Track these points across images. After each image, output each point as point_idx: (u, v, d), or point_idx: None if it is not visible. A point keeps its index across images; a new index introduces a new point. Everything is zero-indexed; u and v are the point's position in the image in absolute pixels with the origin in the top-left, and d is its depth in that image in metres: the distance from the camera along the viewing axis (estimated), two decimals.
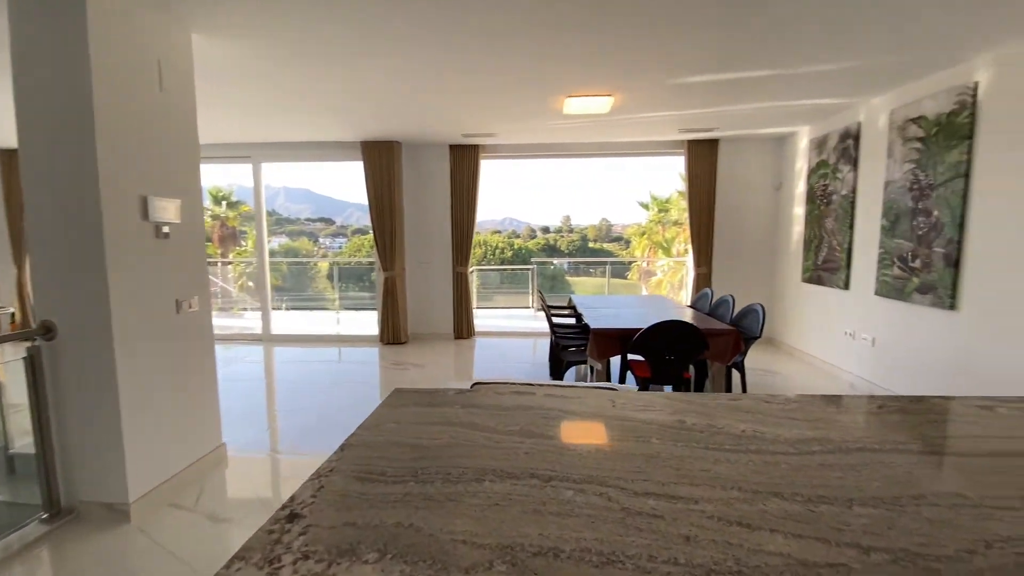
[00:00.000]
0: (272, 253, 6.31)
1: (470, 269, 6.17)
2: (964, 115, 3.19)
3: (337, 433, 3.16)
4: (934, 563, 0.53)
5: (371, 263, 8.47)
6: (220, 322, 7.12)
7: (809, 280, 5.06)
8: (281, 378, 4.73)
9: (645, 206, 16.24)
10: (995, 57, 3.01)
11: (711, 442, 0.85)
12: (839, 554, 0.55)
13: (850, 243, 4.40)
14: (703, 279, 5.90)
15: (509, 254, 23.16)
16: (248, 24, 2.60)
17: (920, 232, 3.56)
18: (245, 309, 10.12)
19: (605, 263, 17.72)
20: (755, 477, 0.73)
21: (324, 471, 0.76)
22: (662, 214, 15.79)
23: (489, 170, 6.14)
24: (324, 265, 13.66)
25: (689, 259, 6.14)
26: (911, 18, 2.62)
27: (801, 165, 5.25)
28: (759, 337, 3.54)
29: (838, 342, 4.57)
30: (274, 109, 4.38)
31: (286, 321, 8.00)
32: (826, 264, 4.76)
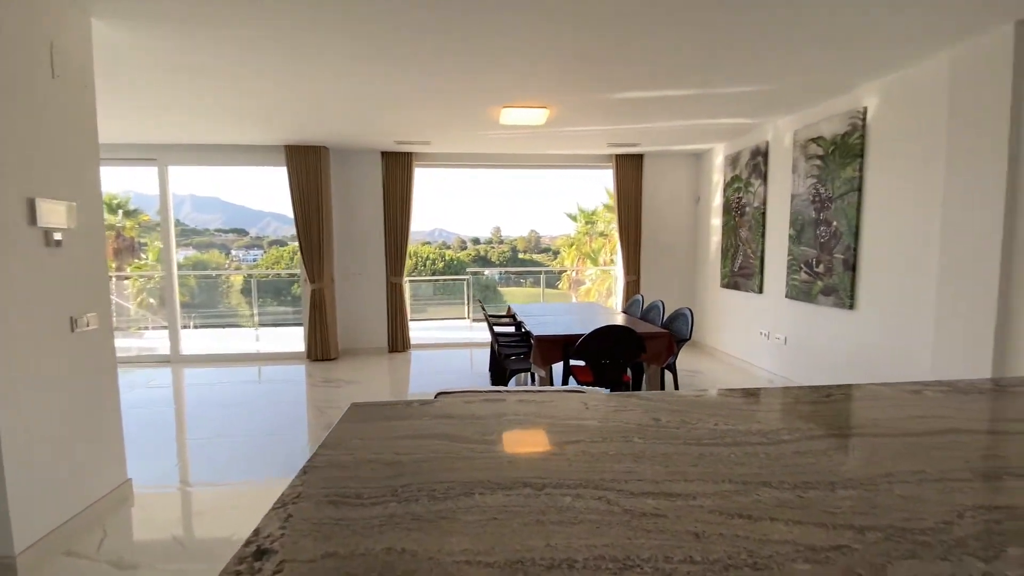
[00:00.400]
0: (179, 266, 5.72)
1: (404, 279, 6.00)
2: (856, 136, 3.61)
3: (264, 460, 2.92)
4: (920, 536, 0.56)
5: (292, 275, 8.01)
6: (119, 343, 6.36)
7: (727, 286, 5.44)
8: (194, 403, 4.29)
9: (573, 218, 16.75)
10: (879, 85, 3.43)
11: (690, 437, 0.85)
12: (839, 536, 0.56)
13: (762, 251, 4.80)
14: (632, 286, 6.16)
15: (441, 265, 22.88)
16: (156, 10, 2.36)
17: (822, 240, 3.96)
18: (146, 328, 9.15)
19: (539, 273, 18.06)
20: (740, 469, 0.74)
21: (289, 498, 0.67)
22: (589, 226, 16.39)
23: (420, 179, 6.03)
24: (238, 279, 12.69)
25: (619, 268, 6.39)
26: (811, 50, 2.93)
27: (717, 179, 5.67)
28: (689, 339, 3.74)
29: (754, 342, 4.95)
30: (185, 107, 4.01)
31: (197, 340, 7.31)
32: (742, 271, 5.15)
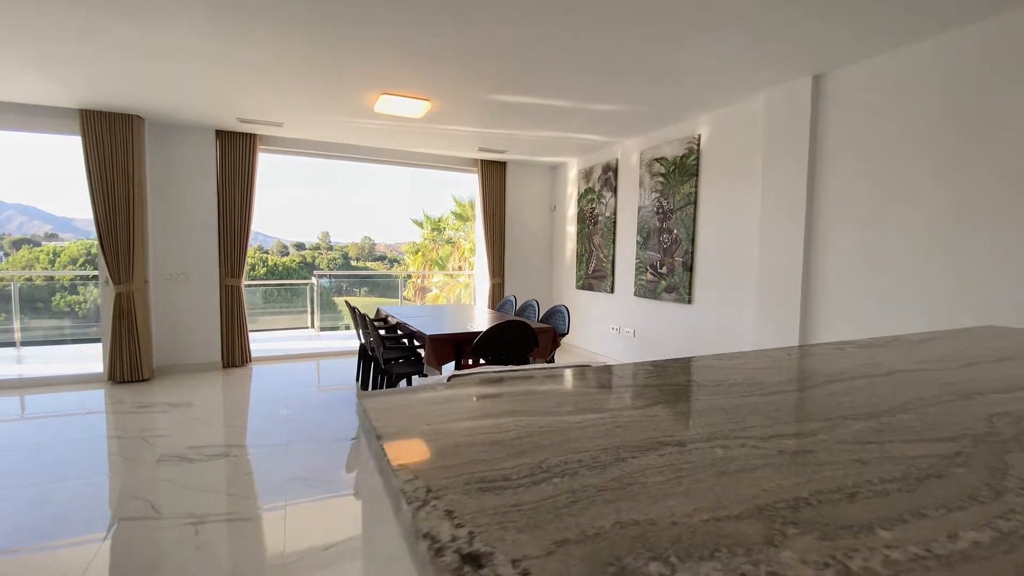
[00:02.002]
0: None
1: (243, 282, 5.16)
2: (692, 158, 4.29)
3: (71, 517, 2.19)
4: (989, 439, 0.67)
5: (47, 280, 6.52)
6: None
7: (582, 287, 5.95)
8: None
9: (419, 224, 16.53)
10: (709, 117, 4.15)
11: (743, 391, 0.90)
12: (946, 447, 0.64)
13: (613, 256, 5.37)
14: (498, 289, 6.31)
15: (263, 271, 20.36)
16: None
17: (665, 246, 4.60)
18: None
19: (376, 280, 17.27)
20: (815, 409, 0.80)
21: (422, 495, 0.50)
22: (436, 233, 16.35)
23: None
24: None
25: (483, 271, 6.49)
26: (657, 84, 3.42)
27: (571, 191, 6.18)
28: (567, 333, 3.97)
29: (607, 336, 5.50)
30: None
31: None
32: (595, 273, 5.69)
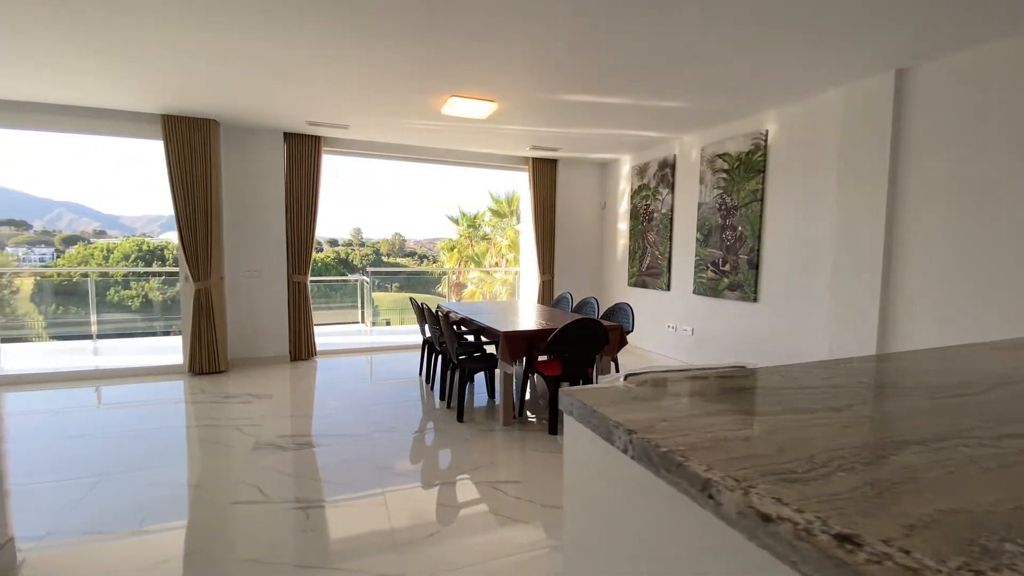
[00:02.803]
0: None
1: (309, 279, 5.36)
2: (758, 154, 4.23)
3: (189, 500, 2.35)
4: None
5: (101, 276, 6.92)
6: None
7: (635, 284, 5.94)
8: (45, 435, 3.26)
9: (455, 220, 16.72)
10: (778, 113, 4.08)
11: (935, 392, 0.92)
12: None
13: (670, 253, 5.35)
14: (548, 285, 6.36)
15: None
16: None
17: (728, 243, 4.56)
18: None
19: (430, 275, 17.54)
20: (1014, 411, 0.83)
21: (734, 487, 0.56)
22: (472, 229, 16.50)
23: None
24: (27, 283, 10.11)
25: (532, 268, 6.54)
26: (726, 80, 3.38)
27: (624, 187, 6.17)
28: (631, 331, 3.99)
29: (662, 334, 5.48)
30: (22, 51, 3.08)
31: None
32: (649, 270, 5.67)
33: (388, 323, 9.25)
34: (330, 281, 13.12)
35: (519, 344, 3.34)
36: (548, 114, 4.31)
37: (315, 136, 5.15)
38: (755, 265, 4.28)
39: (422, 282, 18.54)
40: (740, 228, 4.42)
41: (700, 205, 4.87)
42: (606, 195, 6.58)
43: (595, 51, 2.99)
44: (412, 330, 7.93)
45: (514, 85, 3.61)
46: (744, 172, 4.37)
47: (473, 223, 16.56)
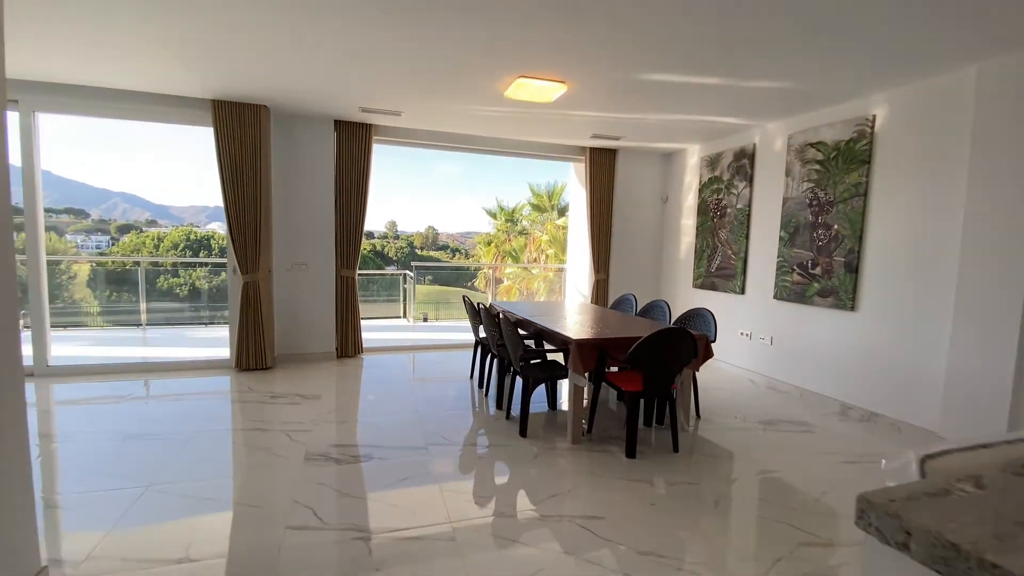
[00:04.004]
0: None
1: (357, 273, 5.14)
2: (862, 143, 3.71)
3: (244, 519, 2.10)
4: None
5: (151, 265, 6.93)
6: None
7: (701, 286, 5.47)
8: (94, 433, 3.11)
9: (492, 214, 16.42)
10: (889, 95, 3.55)
11: None
12: None
13: (746, 252, 4.86)
14: (602, 285, 5.96)
15: None
16: None
17: (820, 243, 4.05)
18: None
19: (467, 269, 17.32)
20: None
21: None
22: (509, 224, 16.17)
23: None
24: (84, 268, 10.41)
25: (585, 265, 6.15)
26: (829, 55, 2.90)
27: (691, 180, 5.69)
28: (715, 341, 3.56)
29: (734, 342, 5.00)
30: (69, 31, 2.90)
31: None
32: (720, 271, 5.19)
33: (426, 318, 9.02)
34: (372, 275, 13.05)
35: (590, 353, 2.98)
36: (620, 97, 3.91)
37: (366, 124, 4.90)
38: (854, 269, 3.77)
39: (455, 276, 18.39)
40: (836, 226, 3.91)
41: (785, 200, 4.36)
42: (668, 188, 6.10)
43: (693, 20, 2.57)
44: (454, 326, 7.68)
45: (589, 64, 3.22)
46: (843, 163, 3.85)
47: (511, 217, 16.23)
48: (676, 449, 3.00)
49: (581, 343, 2.95)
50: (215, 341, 5.74)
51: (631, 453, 2.88)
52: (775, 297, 4.48)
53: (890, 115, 3.55)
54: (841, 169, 3.87)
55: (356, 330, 5.14)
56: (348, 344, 5.10)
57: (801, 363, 4.26)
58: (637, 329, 3.34)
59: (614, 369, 3.41)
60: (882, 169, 3.61)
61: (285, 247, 4.82)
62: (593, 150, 5.77)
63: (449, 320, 8.66)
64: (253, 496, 2.37)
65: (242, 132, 4.35)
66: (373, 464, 2.73)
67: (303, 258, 4.89)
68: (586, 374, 3.02)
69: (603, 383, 3.17)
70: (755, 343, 4.74)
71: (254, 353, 4.54)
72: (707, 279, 5.36)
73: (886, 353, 3.58)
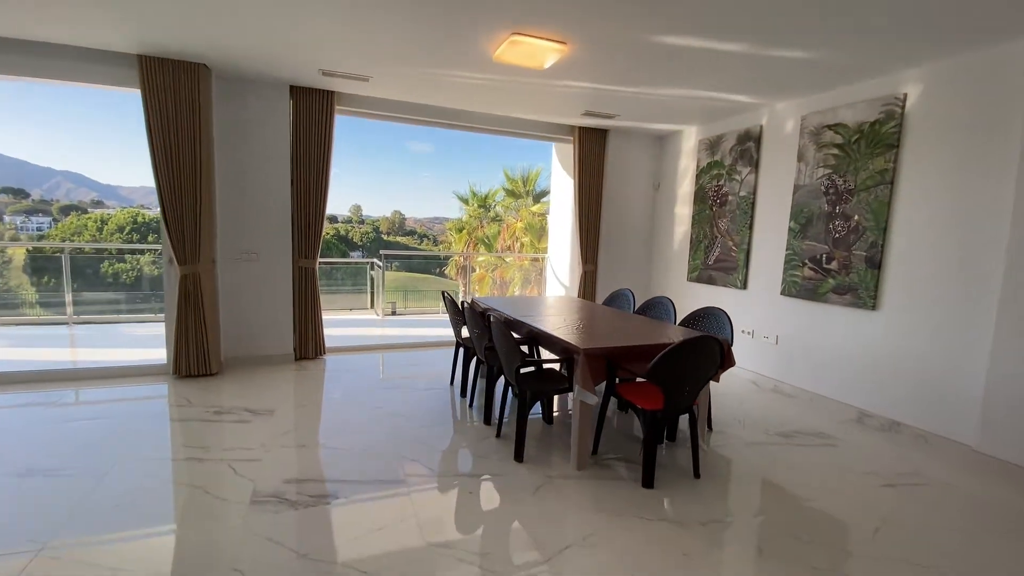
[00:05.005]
0: None
1: (318, 264, 4.51)
2: (891, 125, 3.35)
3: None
4: None
5: (109, 251, 6.27)
6: None
7: (697, 279, 5.10)
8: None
9: (464, 200, 15.76)
10: (923, 72, 3.19)
11: None
12: None
13: (749, 244, 4.49)
14: (590, 277, 5.52)
15: None
16: None
17: (837, 235, 3.70)
18: None
19: (439, 257, 16.56)
20: None
21: None
22: (482, 210, 15.56)
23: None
24: (19, 251, 9.36)
25: (569, 256, 5.69)
26: (857, 29, 2.49)
27: (687, 165, 5.28)
28: (731, 344, 3.17)
29: (735, 341, 4.65)
30: None
31: None
32: (719, 264, 4.82)
33: (394, 311, 8.39)
34: (336, 263, 12.18)
35: (600, 364, 2.52)
36: (624, 65, 3.41)
37: (328, 91, 4.24)
38: (877, 264, 3.44)
39: (423, 264, 17.67)
40: (856, 217, 3.56)
41: (797, 188, 4.00)
42: (662, 174, 5.69)
43: None
44: (427, 321, 7.12)
45: (596, 19, 2.71)
46: (866, 147, 3.49)
47: (484, 203, 15.61)
48: (697, 474, 2.59)
49: (592, 353, 2.48)
50: (155, 340, 5.00)
51: (649, 482, 2.45)
52: (782, 293, 4.14)
53: (924, 94, 3.19)
54: (864, 154, 3.51)
55: (317, 328, 4.53)
56: (308, 344, 4.49)
57: (810, 365, 3.94)
58: (652, 334, 2.90)
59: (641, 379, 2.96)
60: (913, 155, 3.26)
61: (232, 234, 4.14)
62: (583, 130, 5.27)
63: (419, 312, 8.10)
64: (180, 564, 1.81)
65: (177, 96, 3.63)
66: (339, 508, 2.19)
67: (253, 246, 4.22)
68: (594, 387, 2.56)
69: (612, 397, 2.72)
70: (758, 342, 4.40)
71: (196, 357, 3.88)
72: (704, 272, 5.00)
73: (911, 357, 3.28)
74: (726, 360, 2.75)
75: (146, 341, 5.01)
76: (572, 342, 2.59)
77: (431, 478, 2.48)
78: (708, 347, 2.39)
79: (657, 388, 2.48)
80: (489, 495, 2.37)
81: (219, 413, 3.21)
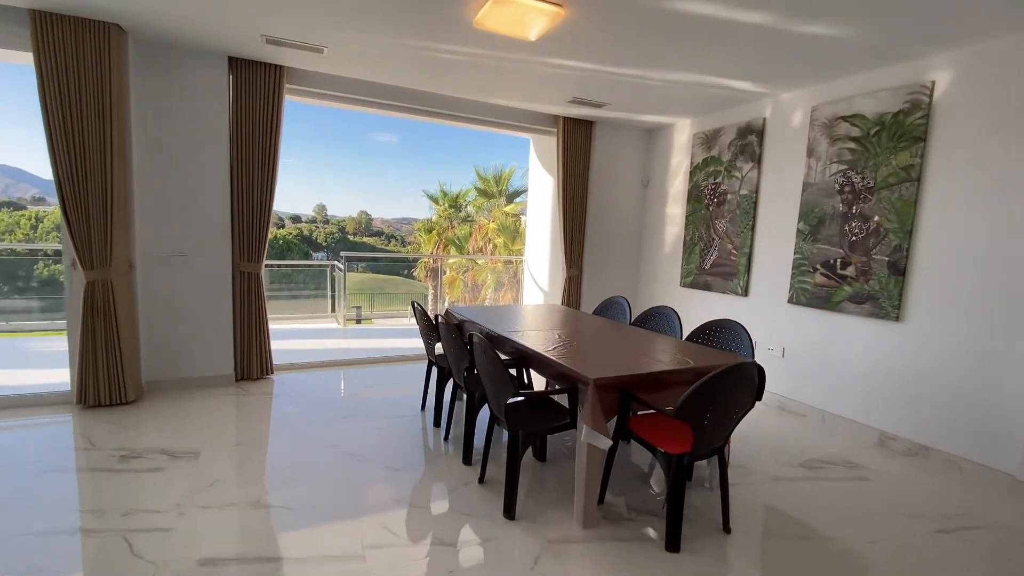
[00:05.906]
0: None
1: (263, 267, 3.86)
2: (917, 116, 3.01)
3: None
4: None
5: (44, 252, 5.54)
6: None
7: (692, 285, 4.70)
8: None
9: (434, 199, 15.11)
10: (954, 57, 2.85)
11: None
12: None
13: (751, 246, 4.11)
14: (575, 282, 5.04)
15: None
16: None
17: (854, 238, 3.34)
18: None
19: (407, 259, 15.81)
20: None
21: None
22: (452, 210, 14.95)
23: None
24: None
25: (548, 259, 5.21)
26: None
27: (679, 161, 4.88)
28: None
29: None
30: None
31: None
32: (716, 268, 4.43)
33: (359, 319, 7.70)
34: (295, 266, 11.27)
35: (611, 397, 2.03)
36: (624, 37, 2.94)
37: (274, 65, 3.60)
38: (901, 271, 3.09)
39: (391, 266, 16.90)
40: (877, 219, 3.21)
41: (806, 186, 3.63)
42: (651, 170, 5.27)
43: None
44: (393, 330, 6.50)
45: None
46: (888, 141, 3.14)
47: (455, 203, 15.01)
48: (727, 528, 2.13)
49: (604, 384, 1.98)
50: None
51: (674, 545, 1.97)
52: (790, 301, 3.77)
53: (956, 81, 2.86)
54: (886, 148, 3.16)
55: (263, 343, 3.87)
56: (251, 363, 3.82)
57: (822, 381, 3.58)
58: (670, 356, 2.43)
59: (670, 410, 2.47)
60: (943, 149, 2.92)
61: (155, 232, 3.45)
62: (567, 121, 4.80)
63: (387, 316, 7.46)
64: None
65: (81, 62, 2.94)
66: None
67: (182, 247, 3.54)
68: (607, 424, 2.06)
69: (627, 438, 2.22)
70: (762, 355, 4.02)
71: (106, 382, 3.17)
72: (699, 277, 4.60)
73: (941, 373, 2.93)
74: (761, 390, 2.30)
75: (58, 359, 4.22)
76: (578, 370, 2.08)
77: (400, 548, 1.92)
78: (747, 375, 1.93)
79: (683, 425, 2.00)
80: (479, 569, 1.82)
81: (126, 458, 2.54)
